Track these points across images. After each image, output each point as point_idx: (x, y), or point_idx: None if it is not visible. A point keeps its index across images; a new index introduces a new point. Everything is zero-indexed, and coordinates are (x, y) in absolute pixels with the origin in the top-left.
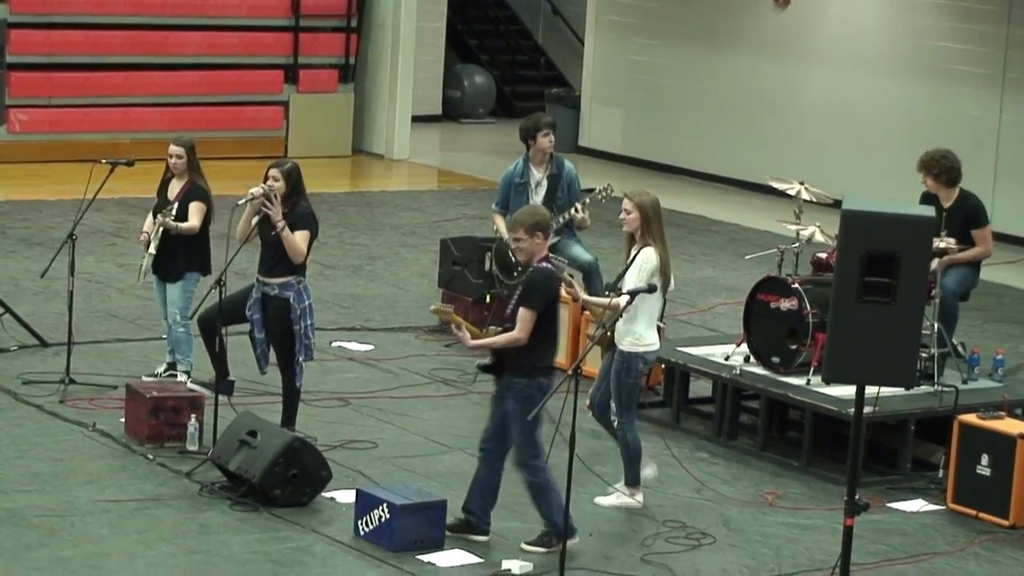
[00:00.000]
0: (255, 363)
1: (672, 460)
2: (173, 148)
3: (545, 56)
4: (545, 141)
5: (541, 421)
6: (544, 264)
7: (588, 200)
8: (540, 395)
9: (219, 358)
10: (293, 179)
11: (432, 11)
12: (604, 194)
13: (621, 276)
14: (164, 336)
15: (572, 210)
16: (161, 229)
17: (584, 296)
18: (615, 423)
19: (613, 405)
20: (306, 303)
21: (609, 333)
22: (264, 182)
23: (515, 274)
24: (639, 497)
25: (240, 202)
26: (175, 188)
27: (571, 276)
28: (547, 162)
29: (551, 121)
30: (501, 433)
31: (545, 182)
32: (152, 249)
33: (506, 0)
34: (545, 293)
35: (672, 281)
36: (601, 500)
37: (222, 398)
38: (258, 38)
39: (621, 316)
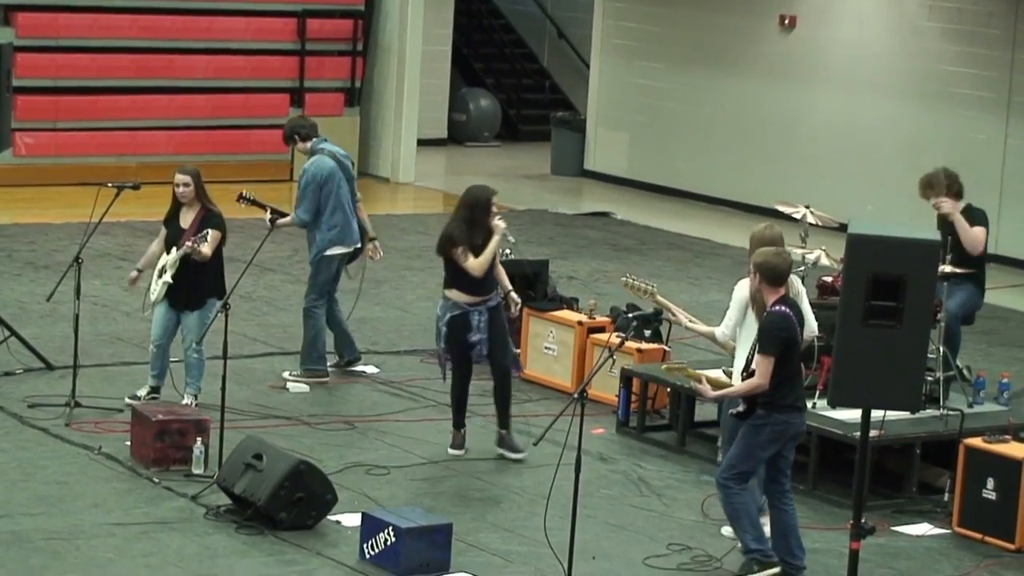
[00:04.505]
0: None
1: (678, 483)
2: (179, 177)
3: (550, 80)
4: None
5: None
6: (778, 307)
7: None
8: (774, 427)
9: None
10: None
11: (437, 35)
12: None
13: None
14: (148, 361)
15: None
16: (180, 258)
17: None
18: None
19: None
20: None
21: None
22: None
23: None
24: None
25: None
26: (187, 216)
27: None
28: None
29: (289, 134)
30: (771, 474)
31: None
32: (169, 277)
33: (512, 24)
34: (778, 337)
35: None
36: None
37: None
38: (264, 62)
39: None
